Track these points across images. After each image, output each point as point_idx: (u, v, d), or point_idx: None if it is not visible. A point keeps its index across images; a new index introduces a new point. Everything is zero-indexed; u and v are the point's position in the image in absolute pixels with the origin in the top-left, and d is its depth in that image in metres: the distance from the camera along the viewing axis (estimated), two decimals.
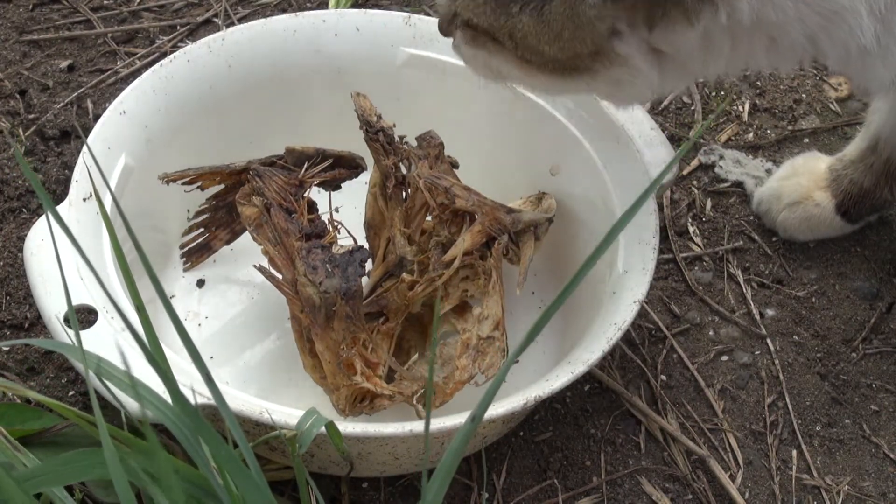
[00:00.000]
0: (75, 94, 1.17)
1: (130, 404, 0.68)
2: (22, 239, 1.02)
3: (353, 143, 0.93)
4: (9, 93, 1.18)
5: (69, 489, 0.79)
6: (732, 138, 1.18)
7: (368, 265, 0.91)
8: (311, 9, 1.29)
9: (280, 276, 0.87)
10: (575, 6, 0.71)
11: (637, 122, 0.96)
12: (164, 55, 1.15)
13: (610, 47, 0.73)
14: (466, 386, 0.86)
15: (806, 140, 1.18)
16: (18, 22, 1.26)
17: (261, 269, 0.88)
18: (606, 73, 0.76)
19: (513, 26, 0.75)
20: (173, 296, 0.98)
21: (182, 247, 1.00)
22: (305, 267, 0.84)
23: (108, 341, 0.77)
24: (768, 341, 1.00)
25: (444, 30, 0.83)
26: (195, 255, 1.00)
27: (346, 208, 0.94)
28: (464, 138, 1.00)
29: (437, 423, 0.75)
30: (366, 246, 0.92)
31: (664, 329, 1.00)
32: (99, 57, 1.23)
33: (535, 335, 0.52)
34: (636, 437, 0.93)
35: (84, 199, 0.86)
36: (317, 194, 0.92)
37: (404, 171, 0.92)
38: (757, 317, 1.02)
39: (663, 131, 0.99)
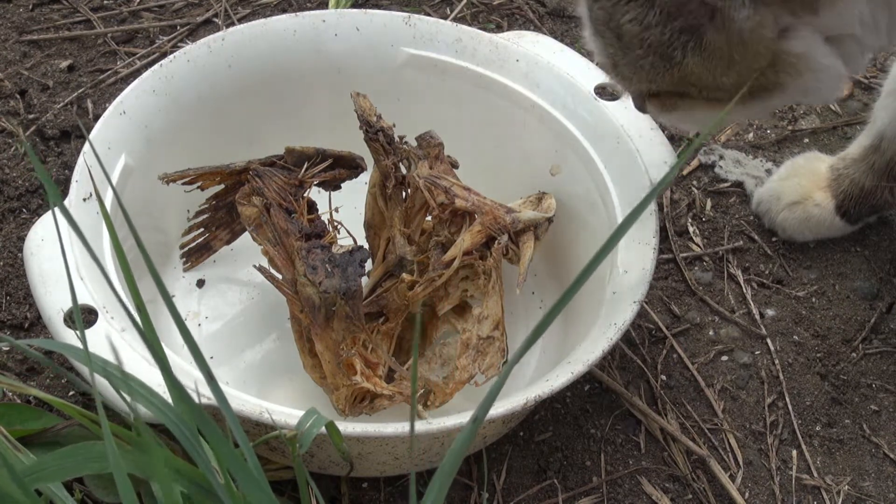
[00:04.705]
0: (75, 94, 1.17)
1: (133, 404, 0.68)
2: (22, 239, 1.02)
3: (353, 143, 0.93)
4: (9, 93, 1.18)
5: (69, 489, 0.79)
6: (732, 138, 1.18)
7: (368, 265, 0.91)
8: (311, 9, 1.29)
9: (280, 276, 0.87)
10: (730, 28, 0.69)
11: (637, 122, 0.96)
12: (164, 55, 1.15)
13: (787, 51, 0.71)
14: (466, 386, 0.86)
15: (806, 140, 1.18)
16: (18, 22, 1.26)
17: (261, 269, 0.88)
18: (794, 85, 0.73)
19: (685, 73, 0.73)
20: (173, 296, 0.98)
21: (182, 247, 1.00)
22: (305, 267, 0.84)
23: (108, 341, 0.77)
24: (768, 341, 1.00)
25: (642, 108, 0.83)
26: (195, 255, 1.00)
27: (346, 208, 0.94)
28: (464, 138, 1.00)
29: (437, 423, 0.75)
30: (366, 246, 0.92)
31: (664, 329, 1.00)
32: (99, 57, 1.23)
33: (536, 339, 0.52)
34: (636, 437, 0.93)
35: (84, 199, 0.86)
36: (317, 194, 0.92)
37: (404, 171, 0.92)
38: (757, 317, 1.02)
39: (663, 131, 0.99)
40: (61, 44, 1.24)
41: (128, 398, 0.63)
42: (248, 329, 0.97)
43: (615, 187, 0.93)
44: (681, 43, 0.71)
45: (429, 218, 0.93)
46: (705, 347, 1.00)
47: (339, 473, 0.86)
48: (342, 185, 0.95)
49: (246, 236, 0.94)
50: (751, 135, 1.18)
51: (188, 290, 0.99)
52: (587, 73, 1.00)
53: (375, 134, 0.91)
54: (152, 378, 0.69)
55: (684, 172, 1.14)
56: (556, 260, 1.00)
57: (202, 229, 0.99)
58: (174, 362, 0.76)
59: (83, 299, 0.79)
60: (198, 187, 0.94)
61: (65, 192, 0.87)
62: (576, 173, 0.97)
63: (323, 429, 0.72)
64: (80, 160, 0.87)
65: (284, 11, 1.27)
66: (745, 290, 1.04)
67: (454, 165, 0.95)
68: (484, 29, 1.06)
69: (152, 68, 0.96)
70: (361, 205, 0.96)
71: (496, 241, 0.89)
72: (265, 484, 0.60)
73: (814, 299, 1.04)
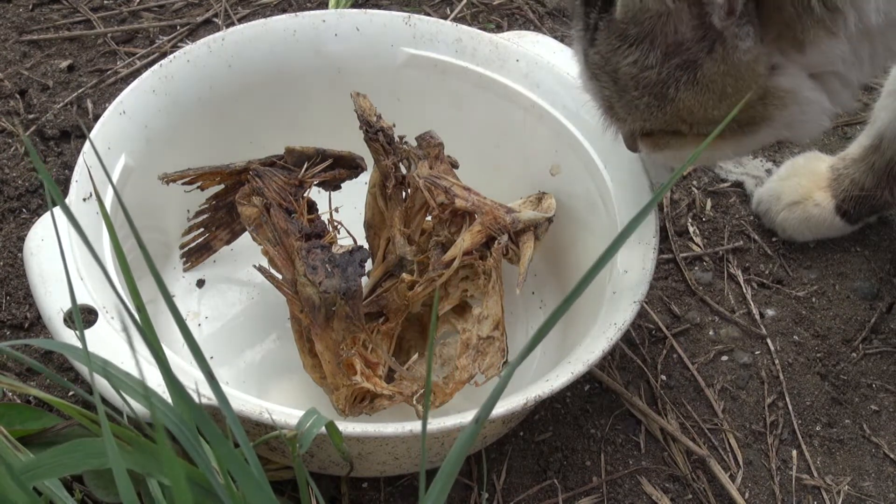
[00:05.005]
0: (75, 94, 1.17)
1: (134, 405, 0.68)
2: (22, 239, 1.02)
3: (353, 143, 0.93)
4: (9, 93, 1.18)
5: (69, 489, 0.79)
6: None
7: (368, 265, 0.91)
8: (311, 9, 1.29)
9: (280, 276, 0.87)
10: (729, 58, 0.72)
11: None
12: (164, 55, 1.15)
13: (775, 86, 0.74)
14: (466, 386, 0.86)
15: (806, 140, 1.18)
16: (18, 22, 1.26)
17: (261, 269, 0.88)
18: (781, 117, 0.76)
19: (678, 109, 0.76)
20: (173, 296, 0.97)
21: (182, 247, 1.00)
22: (305, 267, 0.84)
23: (108, 341, 0.77)
24: (768, 341, 1.00)
25: (633, 148, 0.86)
26: (195, 255, 1.00)
27: (346, 208, 0.94)
28: (464, 138, 1.00)
29: (437, 423, 0.75)
30: (366, 246, 0.92)
31: (664, 329, 1.00)
32: (99, 57, 1.23)
33: (537, 343, 0.52)
34: (636, 437, 0.93)
35: (84, 199, 0.86)
36: (317, 194, 0.92)
37: (404, 171, 0.92)
38: (757, 317, 1.02)
39: None
40: (61, 44, 1.24)
41: (127, 398, 0.63)
42: (248, 329, 0.97)
43: (615, 187, 0.93)
44: (675, 79, 0.74)
45: (429, 218, 0.93)
46: (705, 347, 1.00)
47: (339, 473, 0.86)
48: (342, 185, 0.95)
49: (246, 236, 0.94)
50: None
51: (188, 290, 0.99)
52: None
53: (375, 134, 0.91)
54: (152, 378, 0.69)
55: (684, 172, 1.14)
56: (556, 260, 1.00)
57: (202, 229, 0.99)
58: (174, 362, 0.76)
59: (83, 299, 0.79)
60: (198, 187, 0.94)
61: (65, 192, 0.87)
62: (576, 173, 0.97)
63: (323, 429, 0.72)
64: (80, 160, 0.87)
65: (284, 11, 1.27)
66: (745, 290, 1.04)
67: (454, 165, 0.95)
68: (484, 29, 1.06)
69: (152, 68, 0.96)
70: (361, 205, 0.96)
71: (496, 241, 0.89)
72: (265, 484, 0.60)
73: (814, 299, 1.04)
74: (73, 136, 1.14)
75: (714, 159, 0.93)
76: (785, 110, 0.76)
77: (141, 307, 0.57)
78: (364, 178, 0.95)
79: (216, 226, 0.99)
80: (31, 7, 1.27)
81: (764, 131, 0.78)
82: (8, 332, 0.97)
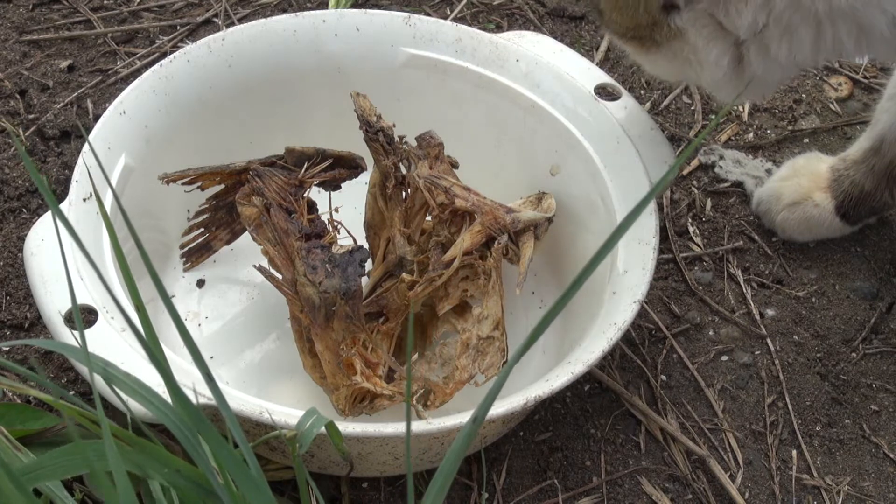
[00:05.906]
0: (75, 94, 1.17)
1: (132, 404, 0.68)
2: (22, 239, 1.02)
3: (353, 143, 0.93)
4: (9, 93, 1.18)
5: (69, 489, 0.79)
6: (732, 138, 1.18)
7: (368, 265, 0.91)
8: (311, 9, 1.29)
9: (280, 276, 0.87)
10: None
11: (637, 122, 0.96)
12: (164, 55, 1.15)
13: (664, 20, 0.75)
14: (466, 386, 0.86)
15: (806, 140, 1.18)
16: (18, 22, 1.26)
17: (261, 269, 0.88)
18: (668, 46, 0.77)
19: None
20: (173, 296, 0.98)
21: (182, 247, 1.00)
22: (305, 267, 0.84)
23: (108, 341, 0.77)
24: (768, 341, 1.00)
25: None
26: (195, 255, 1.00)
27: (346, 208, 0.94)
28: (464, 138, 1.00)
29: (437, 423, 0.75)
30: (366, 246, 0.92)
31: (664, 329, 1.00)
32: (99, 57, 1.23)
33: (536, 339, 0.52)
34: (636, 437, 0.93)
35: (84, 200, 0.86)
36: (317, 194, 0.93)
37: (404, 171, 0.92)
38: (757, 317, 1.02)
39: (663, 131, 0.99)
40: (61, 44, 1.24)
41: (124, 397, 0.63)
42: (248, 329, 0.97)
43: (615, 187, 0.93)
44: None
45: (429, 218, 0.93)
46: (705, 347, 1.00)
47: (339, 473, 0.86)
48: (342, 185, 0.95)
49: (246, 236, 0.94)
50: (751, 135, 1.18)
51: (188, 290, 0.99)
52: (587, 73, 1.00)
53: (375, 134, 0.91)
54: (152, 378, 0.69)
55: (684, 172, 1.14)
56: (556, 260, 1.00)
57: (202, 229, 0.99)
58: (174, 362, 0.76)
59: (83, 299, 0.79)
60: (198, 187, 0.94)
61: (65, 192, 0.87)
62: (576, 173, 0.97)
63: (323, 429, 0.72)
64: (80, 160, 0.87)
65: (284, 11, 1.27)
66: (745, 290, 1.04)
67: (454, 165, 0.95)
68: (484, 29, 1.06)
69: (152, 68, 0.96)
70: (361, 205, 0.96)
71: (496, 241, 0.89)
72: (264, 484, 0.60)
73: (814, 299, 1.04)
74: (73, 136, 1.14)
75: (640, 62, 0.93)
76: (672, 42, 0.76)
77: (140, 307, 0.57)
78: (364, 178, 0.95)
79: (216, 226, 0.99)
80: (31, 7, 1.27)
81: (661, 53, 0.79)
82: (8, 332, 0.97)
